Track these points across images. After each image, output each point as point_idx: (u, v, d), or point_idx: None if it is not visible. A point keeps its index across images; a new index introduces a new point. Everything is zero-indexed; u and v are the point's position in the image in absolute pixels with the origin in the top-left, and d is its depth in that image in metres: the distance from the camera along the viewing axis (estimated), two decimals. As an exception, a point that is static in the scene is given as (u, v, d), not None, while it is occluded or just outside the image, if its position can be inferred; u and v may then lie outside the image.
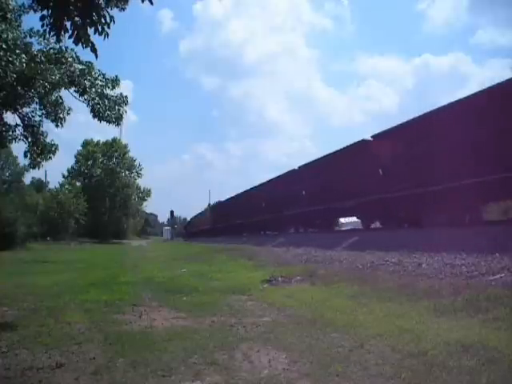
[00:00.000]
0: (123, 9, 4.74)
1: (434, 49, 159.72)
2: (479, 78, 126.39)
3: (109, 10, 4.10)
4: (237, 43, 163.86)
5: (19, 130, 11.93)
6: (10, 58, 9.51)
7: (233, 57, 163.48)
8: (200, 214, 55.28)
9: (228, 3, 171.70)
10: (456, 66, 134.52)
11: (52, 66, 10.85)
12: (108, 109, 11.04)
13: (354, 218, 19.54)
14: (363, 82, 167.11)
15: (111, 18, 4.05)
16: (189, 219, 65.76)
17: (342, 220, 22.33)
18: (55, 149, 12.15)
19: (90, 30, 4.00)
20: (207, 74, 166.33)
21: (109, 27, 4.05)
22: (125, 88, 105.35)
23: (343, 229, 21.20)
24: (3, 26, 9.84)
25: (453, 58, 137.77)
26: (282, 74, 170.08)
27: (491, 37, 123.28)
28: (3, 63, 9.34)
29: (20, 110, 11.76)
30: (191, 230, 58.90)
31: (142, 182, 61.71)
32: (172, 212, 74.67)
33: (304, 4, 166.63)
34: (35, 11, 8.78)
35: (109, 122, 11.12)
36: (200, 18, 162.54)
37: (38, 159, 12.03)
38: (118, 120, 11.19)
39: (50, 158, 12.19)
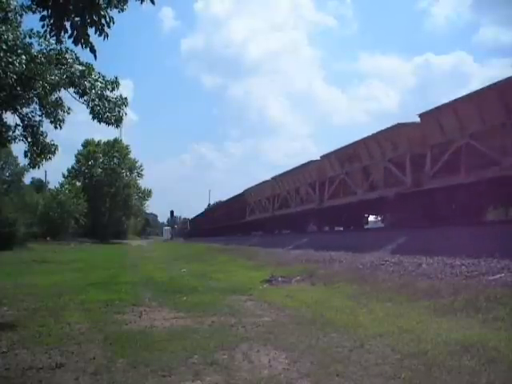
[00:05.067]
0: (122, 9, 4.74)
1: (435, 48, 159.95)
2: (481, 77, 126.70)
3: (109, 10, 4.10)
4: (238, 42, 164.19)
5: (19, 130, 11.90)
6: (10, 59, 9.49)
7: (234, 55, 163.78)
8: (201, 214, 54.98)
9: (229, 1, 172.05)
10: (458, 65, 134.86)
11: (52, 66, 10.84)
12: (108, 110, 11.00)
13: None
14: (365, 81, 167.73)
15: (111, 18, 4.05)
16: (192, 216, 64.02)
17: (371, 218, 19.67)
18: (55, 149, 12.12)
19: (90, 31, 4.01)
20: (208, 73, 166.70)
21: (109, 27, 4.05)
22: (125, 87, 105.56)
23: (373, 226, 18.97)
24: (3, 28, 9.80)
25: (455, 57, 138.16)
26: (283, 73, 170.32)
27: (494, 35, 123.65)
28: (3, 64, 9.32)
29: (20, 111, 11.74)
30: (199, 227, 54.68)
31: (142, 182, 61.81)
32: (172, 212, 74.91)
33: (306, 2, 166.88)
34: (34, 12, 8.76)
35: (108, 123, 11.07)
36: (201, 17, 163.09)
37: (38, 159, 12.00)
38: (117, 122, 11.15)
39: (50, 158, 12.15)
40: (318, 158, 17.98)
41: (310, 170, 18.44)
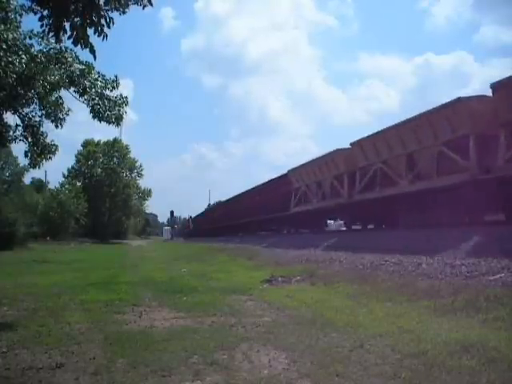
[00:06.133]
0: (124, 12, 4.73)
1: (436, 47, 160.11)
2: (481, 76, 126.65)
3: (109, 12, 4.10)
4: (238, 41, 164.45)
5: (19, 131, 11.94)
6: (10, 59, 9.51)
7: (234, 55, 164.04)
8: (202, 213, 54.93)
9: (229, 0, 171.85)
10: (458, 65, 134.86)
11: (52, 66, 10.86)
12: (108, 109, 11.05)
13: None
14: (365, 80, 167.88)
15: (110, 19, 4.05)
16: (194, 215, 63.86)
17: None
18: (55, 149, 12.17)
19: (90, 31, 4.01)
20: (208, 73, 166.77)
21: (109, 27, 4.05)
22: (125, 87, 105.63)
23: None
24: (3, 27, 9.82)
25: (455, 57, 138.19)
26: (283, 73, 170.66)
27: (495, 35, 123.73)
28: (3, 64, 9.34)
29: (20, 111, 11.76)
30: (199, 227, 53.45)
31: (142, 182, 61.79)
32: (172, 212, 74.74)
33: (307, 2, 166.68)
34: (35, 13, 8.76)
35: (109, 122, 11.12)
36: (201, 16, 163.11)
37: (38, 159, 12.04)
38: (118, 120, 11.20)
39: (51, 158, 12.20)
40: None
41: (450, 117, 10.63)
